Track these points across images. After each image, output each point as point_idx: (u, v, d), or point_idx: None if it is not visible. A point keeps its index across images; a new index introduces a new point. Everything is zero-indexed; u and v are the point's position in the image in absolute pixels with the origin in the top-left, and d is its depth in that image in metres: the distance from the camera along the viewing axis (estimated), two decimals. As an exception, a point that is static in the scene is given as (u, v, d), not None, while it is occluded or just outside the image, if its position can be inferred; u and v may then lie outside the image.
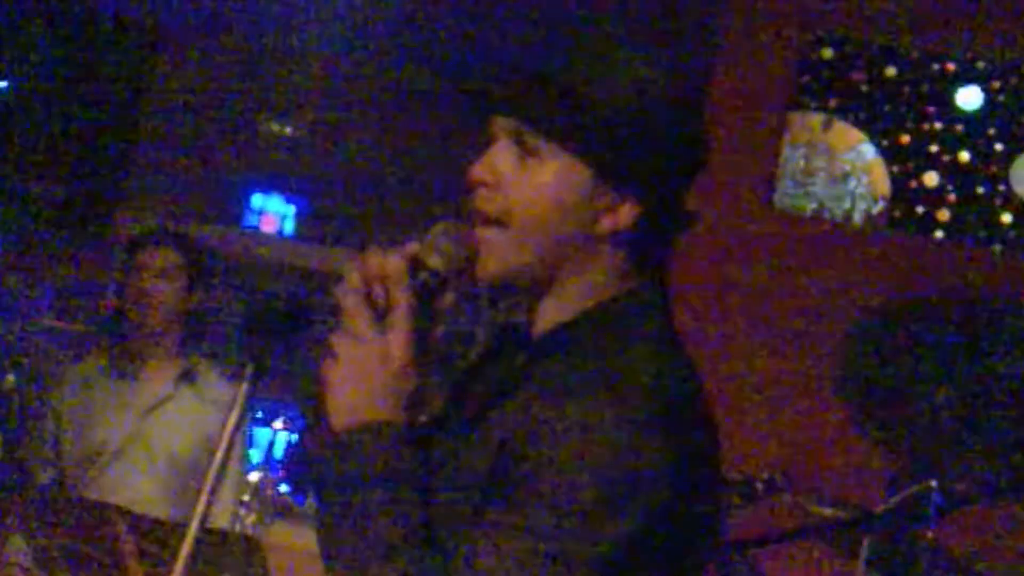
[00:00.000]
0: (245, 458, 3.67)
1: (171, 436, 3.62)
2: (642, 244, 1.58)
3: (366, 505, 1.49)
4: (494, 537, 1.45)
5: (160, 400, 3.66)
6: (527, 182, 1.56)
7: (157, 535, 3.12)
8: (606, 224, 1.56)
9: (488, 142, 1.60)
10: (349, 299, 1.55)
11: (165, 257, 3.63)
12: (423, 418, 1.52)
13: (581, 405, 1.46)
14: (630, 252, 1.58)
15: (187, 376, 3.66)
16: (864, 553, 2.75)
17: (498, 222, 1.56)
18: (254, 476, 3.66)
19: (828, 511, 2.89)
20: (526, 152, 1.57)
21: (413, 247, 1.58)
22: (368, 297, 1.55)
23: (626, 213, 1.56)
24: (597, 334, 1.56)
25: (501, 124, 1.59)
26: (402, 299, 1.54)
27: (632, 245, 1.58)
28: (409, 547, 1.47)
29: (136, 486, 3.58)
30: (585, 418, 1.45)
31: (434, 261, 1.57)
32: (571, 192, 1.55)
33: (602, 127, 1.55)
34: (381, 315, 1.55)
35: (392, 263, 1.56)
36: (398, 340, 1.53)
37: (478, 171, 1.58)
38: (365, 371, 1.52)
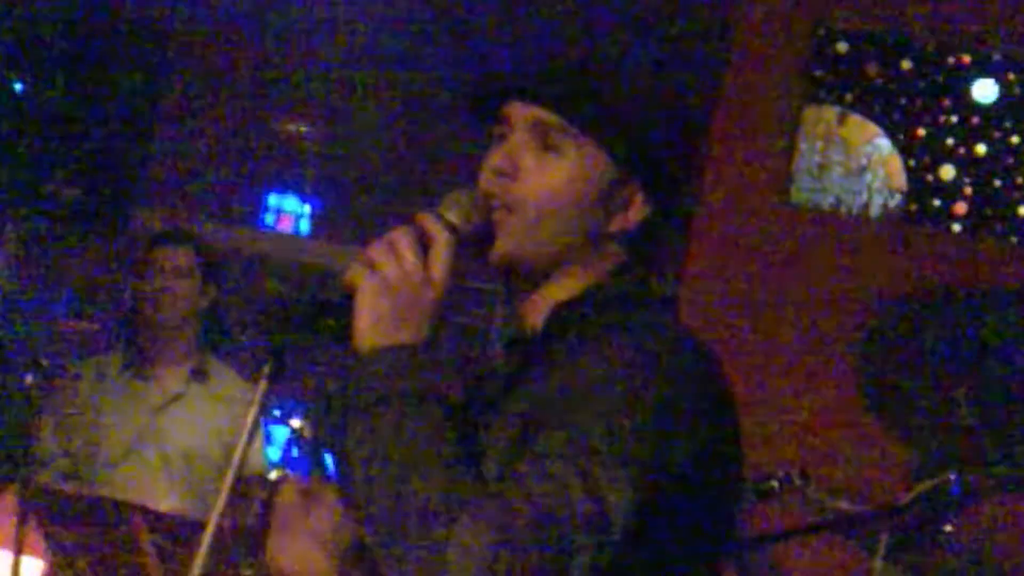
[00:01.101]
0: (263, 455, 3.68)
1: (183, 434, 3.64)
2: (647, 240, 1.62)
3: (398, 419, 1.46)
4: (540, 458, 1.43)
5: (172, 398, 3.67)
6: (546, 174, 1.58)
7: (175, 532, 3.13)
8: (616, 223, 1.60)
9: (502, 134, 1.62)
10: (393, 233, 1.56)
11: (179, 256, 3.65)
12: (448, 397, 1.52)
13: (608, 351, 1.48)
14: (635, 247, 1.62)
15: (199, 374, 3.68)
16: (882, 547, 2.74)
17: (514, 208, 1.58)
18: (273, 474, 3.66)
19: (845, 505, 2.88)
20: (546, 145, 1.58)
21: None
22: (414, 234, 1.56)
23: (636, 212, 1.60)
24: (605, 305, 1.59)
25: (520, 115, 1.60)
26: (442, 234, 1.56)
27: (635, 242, 1.61)
28: (444, 460, 1.44)
29: (148, 483, 3.59)
30: (623, 350, 1.48)
31: (451, 216, 1.59)
32: (588, 187, 1.58)
33: (625, 115, 1.57)
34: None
35: (424, 214, 1.58)
36: (439, 267, 1.54)
37: (498, 160, 1.60)
38: (401, 293, 1.52)
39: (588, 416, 1.44)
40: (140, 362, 3.69)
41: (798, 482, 2.90)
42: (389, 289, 1.52)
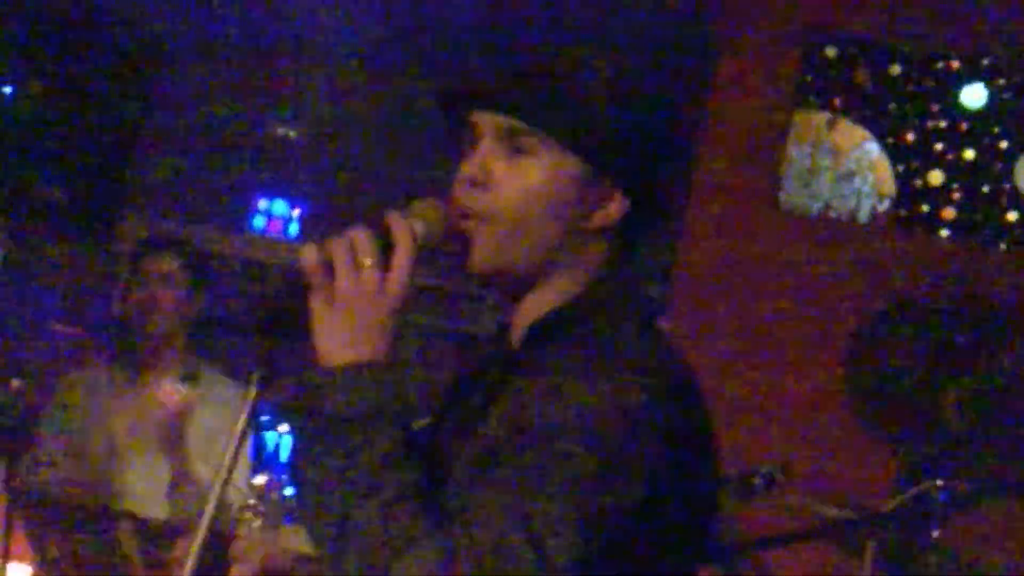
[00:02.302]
0: (251, 462, 3.67)
1: (175, 440, 3.62)
2: (627, 237, 1.60)
3: (349, 442, 1.45)
4: (491, 493, 1.43)
5: (163, 404, 3.66)
6: (518, 179, 1.56)
7: (162, 538, 3.12)
8: (596, 220, 1.58)
9: (470, 142, 1.60)
10: (355, 233, 1.53)
11: (166, 263, 3.64)
12: (420, 423, 1.51)
13: (576, 383, 1.46)
14: (615, 245, 1.60)
15: (190, 379, 3.67)
16: (869, 553, 2.74)
17: (488, 219, 1.56)
18: (260, 479, 3.65)
19: (833, 511, 2.88)
20: (516, 150, 1.57)
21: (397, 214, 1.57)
22: (373, 237, 1.53)
23: (615, 207, 1.58)
24: (585, 319, 1.56)
25: (487, 122, 1.58)
26: (405, 238, 1.53)
27: (618, 238, 1.60)
28: (394, 492, 1.43)
29: (139, 489, 3.58)
30: (581, 393, 1.45)
31: (417, 226, 1.56)
32: (562, 188, 1.56)
33: (594, 118, 1.55)
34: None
35: (392, 215, 1.55)
36: (398, 276, 1.51)
37: (468, 170, 1.58)
38: (357, 307, 1.50)
39: (543, 458, 1.43)
40: (131, 369, 3.69)
41: (779, 478, 2.90)
42: (345, 303, 1.50)
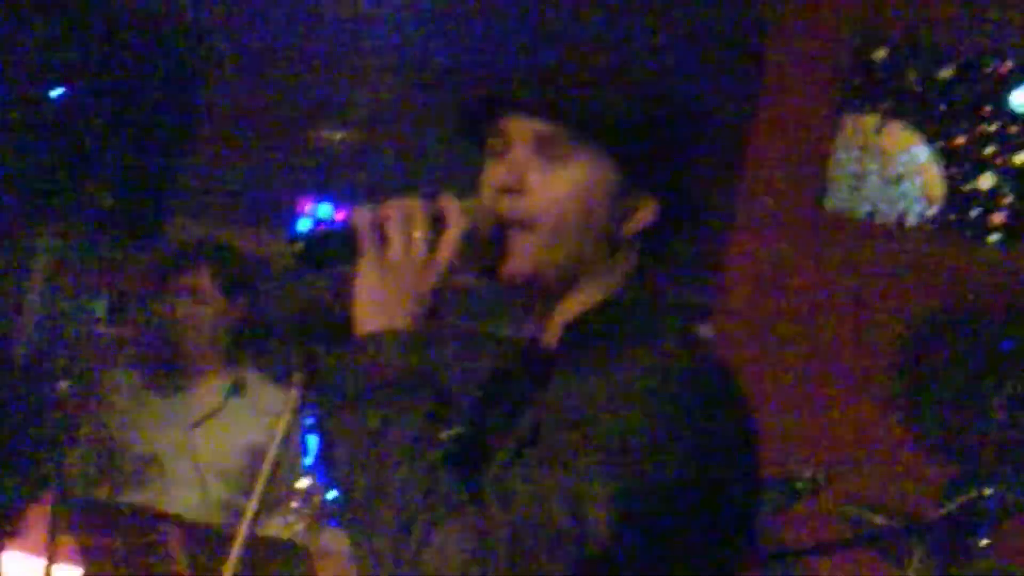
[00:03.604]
0: (296, 465, 3.67)
1: (220, 449, 3.62)
2: (658, 243, 1.60)
3: (387, 406, 1.45)
4: (529, 471, 1.43)
5: (209, 413, 3.66)
6: (553, 186, 1.56)
7: (207, 542, 3.13)
8: (629, 226, 1.58)
9: (498, 148, 1.59)
10: (411, 203, 1.53)
11: (195, 278, 3.62)
12: (446, 434, 1.50)
13: (617, 368, 1.47)
14: (648, 249, 1.60)
15: (237, 388, 3.66)
16: (915, 563, 2.71)
17: (525, 226, 1.56)
18: (303, 482, 3.66)
19: (878, 519, 2.85)
20: (550, 157, 1.56)
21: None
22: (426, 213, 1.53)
23: (647, 213, 1.58)
24: (621, 319, 1.57)
25: (520, 129, 1.58)
26: (457, 217, 1.53)
27: (649, 244, 1.60)
28: (428, 461, 1.42)
29: (182, 497, 3.58)
30: (623, 375, 1.46)
31: (468, 213, 1.56)
32: (597, 195, 1.56)
33: (631, 129, 1.55)
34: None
35: (446, 194, 1.56)
36: (447, 251, 1.52)
37: (501, 176, 1.57)
38: (402, 275, 1.50)
39: (584, 436, 1.43)
40: (174, 377, 3.68)
41: (823, 483, 2.88)
42: (392, 269, 1.50)
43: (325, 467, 1.52)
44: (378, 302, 1.50)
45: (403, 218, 1.52)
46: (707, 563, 1.50)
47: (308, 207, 5.52)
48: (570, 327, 1.59)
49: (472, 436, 1.59)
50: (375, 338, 1.49)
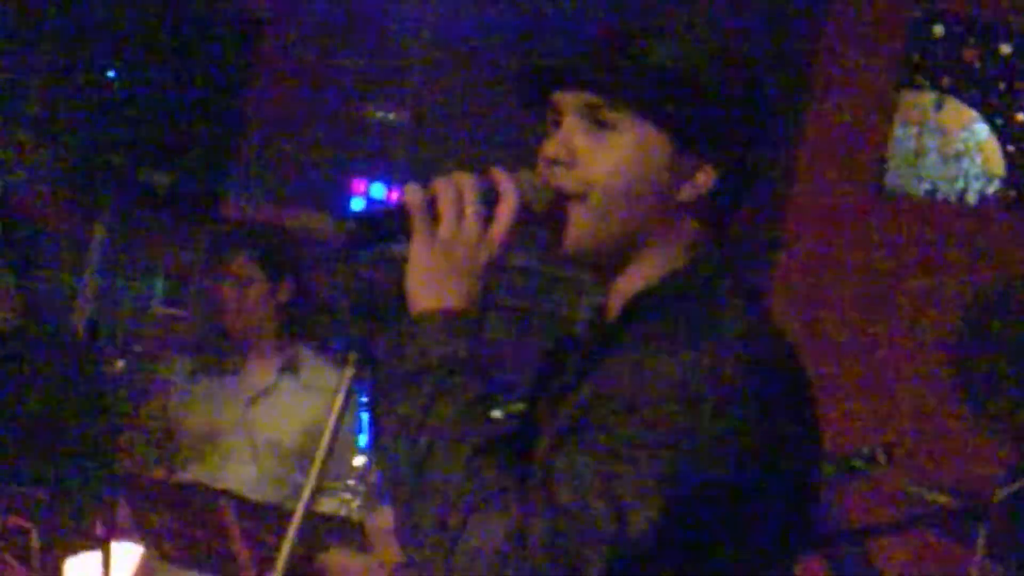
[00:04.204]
0: (352, 443, 3.68)
1: (274, 426, 3.65)
2: (719, 209, 1.56)
3: (433, 388, 1.43)
4: (573, 457, 1.40)
5: (263, 391, 3.69)
6: (605, 156, 1.53)
7: (263, 518, 3.14)
8: (686, 192, 1.54)
9: (554, 121, 1.57)
10: (463, 179, 1.51)
11: (239, 264, 3.64)
12: (498, 413, 1.48)
13: (669, 354, 1.43)
14: (707, 217, 1.56)
15: (290, 367, 3.68)
16: (981, 543, 2.67)
17: (580, 197, 1.54)
18: (359, 460, 3.67)
19: (942, 498, 2.81)
20: (600, 125, 1.54)
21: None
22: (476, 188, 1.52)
23: (704, 179, 1.54)
24: (684, 295, 1.53)
25: (569, 100, 1.55)
26: (510, 194, 1.51)
27: (711, 211, 1.56)
28: (473, 444, 1.41)
29: (238, 475, 3.61)
30: (674, 363, 1.42)
31: (523, 188, 1.53)
32: (650, 161, 1.53)
33: (679, 93, 1.52)
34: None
35: (499, 170, 1.54)
36: (500, 228, 1.50)
37: (552, 149, 1.55)
38: (455, 253, 1.48)
39: (632, 424, 1.40)
40: (229, 357, 3.71)
41: (881, 460, 2.84)
42: (444, 247, 1.49)
43: (373, 447, 1.51)
44: (430, 281, 1.48)
45: (454, 194, 1.50)
46: (758, 558, 1.47)
47: (361, 187, 5.52)
48: (629, 304, 1.56)
49: (524, 416, 1.57)
50: (425, 318, 1.48)
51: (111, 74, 4.23)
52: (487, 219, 1.50)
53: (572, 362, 1.60)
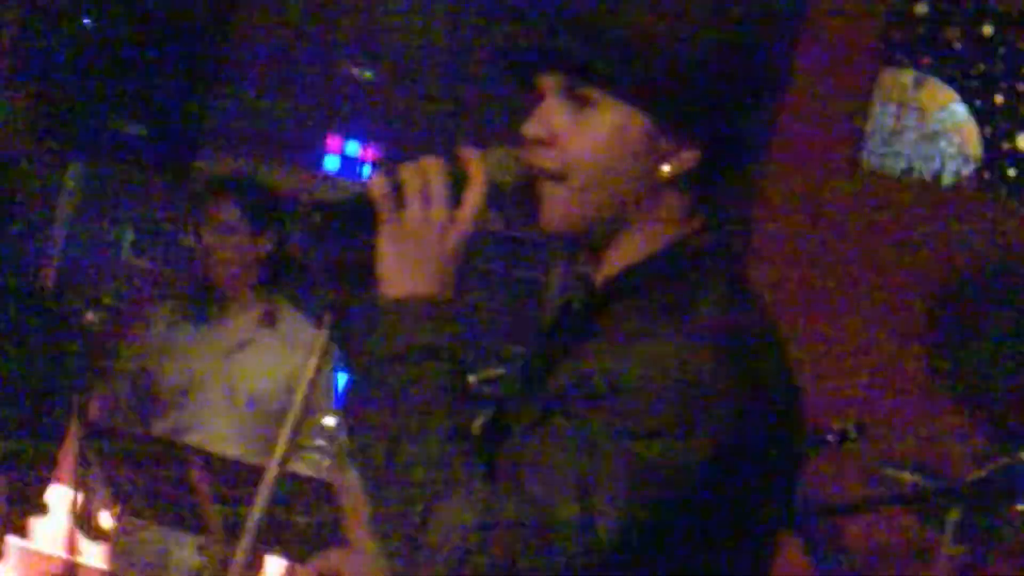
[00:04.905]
0: (325, 404, 3.66)
1: (252, 378, 3.65)
2: (706, 185, 1.55)
3: (402, 376, 1.43)
4: (544, 446, 1.40)
5: (242, 343, 3.68)
6: (584, 135, 1.52)
7: (232, 474, 3.13)
8: (668, 169, 1.52)
9: (535, 99, 1.56)
10: (429, 163, 1.51)
11: (225, 211, 3.64)
12: (472, 378, 1.47)
13: (644, 341, 1.43)
14: (694, 194, 1.54)
15: (268, 319, 3.68)
16: (951, 524, 2.69)
17: (558, 177, 1.53)
18: (330, 421, 3.66)
19: (915, 478, 2.83)
20: (580, 104, 1.52)
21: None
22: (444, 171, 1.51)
23: (687, 156, 1.52)
24: (665, 276, 1.52)
25: (550, 80, 1.54)
26: (479, 175, 1.51)
27: (696, 187, 1.54)
28: (444, 430, 1.41)
29: (215, 427, 3.61)
30: (647, 352, 1.42)
31: (491, 168, 1.53)
32: (630, 140, 1.51)
33: (657, 73, 1.50)
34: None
35: (467, 150, 1.53)
36: (468, 212, 1.50)
37: (531, 128, 1.54)
38: (424, 239, 1.48)
39: (601, 413, 1.40)
40: (206, 308, 3.69)
41: (852, 436, 2.85)
42: (412, 234, 1.48)
43: (346, 430, 1.51)
44: (400, 267, 1.48)
45: (420, 180, 1.49)
46: (730, 553, 1.46)
47: (336, 144, 5.49)
48: (607, 285, 1.55)
49: (507, 384, 1.56)
50: (397, 305, 1.47)
51: (86, 21, 4.17)
52: (456, 202, 1.49)
53: (551, 345, 1.59)
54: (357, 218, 1.50)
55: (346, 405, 1.50)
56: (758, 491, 1.46)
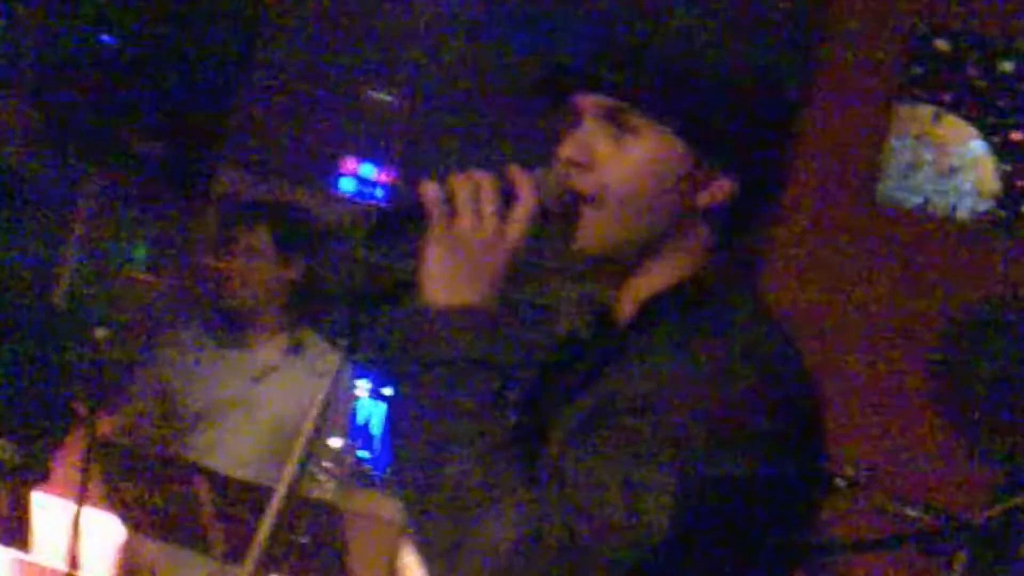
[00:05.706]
0: (335, 427, 3.64)
1: (278, 405, 3.62)
2: (736, 218, 1.57)
3: (448, 386, 1.44)
4: (588, 456, 1.41)
5: (268, 369, 3.65)
6: (624, 161, 1.53)
7: (238, 495, 3.12)
8: (702, 200, 1.54)
9: (571, 121, 1.57)
10: (480, 176, 1.52)
11: (255, 237, 3.61)
12: (509, 415, 1.47)
13: (687, 357, 1.44)
14: (723, 226, 1.57)
15: (295, 347, 3.66)
16: (960, 565, 2.67)
17: (595, 200, 1.54)
18: (335, 442, 3.65)
19: (923, 518, 2.81)
20: (621, 130, 1.54)
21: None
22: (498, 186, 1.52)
23: (722, 188, 1.54)
24: (692, 304, 1.54)
25: (591, 103, 1.56)
26: (529, 193, 1.52)
27: (726, 220, 1.56)
28: (487, 439, 1.42)
29: (236, 451, 3.58)
30: (693, 366, 1.43)
31: (539, 187, 1.54)
32: (668, 168, 1.53)
33: (700, 103, 1.52)
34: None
35: (516, 168, 1.54)
36: (518, 227, 1.50)
37: (570, 151, 1.55)
38: (473, 250, 1.49)
39: (648, 425, 1.41)
40: (234, 332, 3.67)
41: (863, 480, 2.84)
42: (461, 244, 1.49)
43: (389, 440, 1.51)
44: (447, 277, 1.49)
45: (472, 191, 1.50)
46: (767, 561, 1.47)
47: (351, 166, 5.50)
48: (645, 306, 1.56)
49: (535, 413, 1.57)
50: (443, 314, 1.48)
51: (107, 39, 4.19)
52: (504, 219, 1.50)
53: (582, 361, 1.59)
54: (409, 223, 1.51)
55: (389, 412, 1.50)
56: (790, 508, 1.48)
